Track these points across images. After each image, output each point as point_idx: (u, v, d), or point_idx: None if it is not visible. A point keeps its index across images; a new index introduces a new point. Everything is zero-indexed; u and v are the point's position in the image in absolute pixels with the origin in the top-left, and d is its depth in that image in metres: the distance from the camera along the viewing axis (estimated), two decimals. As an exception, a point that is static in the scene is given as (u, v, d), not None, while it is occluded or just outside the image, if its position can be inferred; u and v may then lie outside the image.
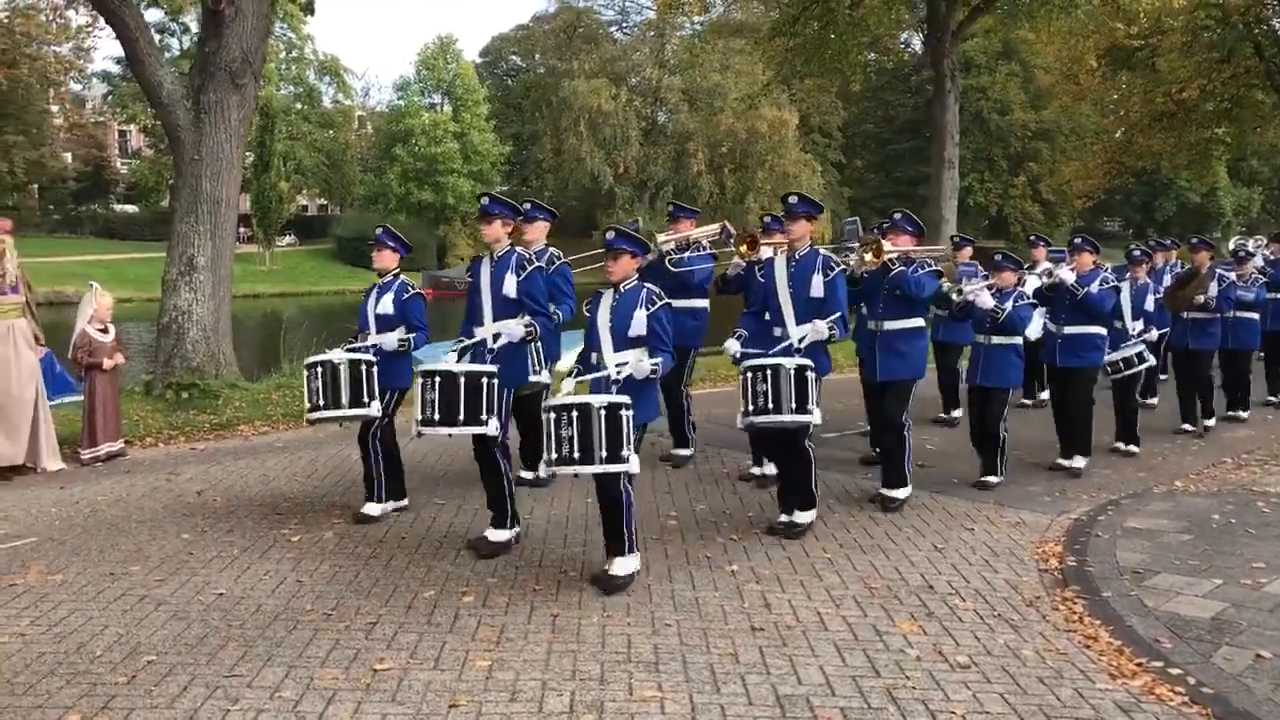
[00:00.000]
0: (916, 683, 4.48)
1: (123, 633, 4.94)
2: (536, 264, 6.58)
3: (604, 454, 5.34)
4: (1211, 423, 10.55)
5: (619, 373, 5.78)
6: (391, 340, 6.74)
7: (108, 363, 8.61)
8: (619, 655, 4.73)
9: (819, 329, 6.50)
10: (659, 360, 5.77)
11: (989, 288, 7.96)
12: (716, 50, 51.79)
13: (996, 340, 7.92)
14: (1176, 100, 24.68)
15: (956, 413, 10.47)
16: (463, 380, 5.91)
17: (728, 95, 52.30)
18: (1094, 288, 8.41)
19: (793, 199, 6.85)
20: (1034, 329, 9.35)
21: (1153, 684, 4.49)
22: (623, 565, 5.64)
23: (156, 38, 11.38)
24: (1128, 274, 9.69)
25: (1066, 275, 8.45)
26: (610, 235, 6.01)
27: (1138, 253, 9.92)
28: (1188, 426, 10.43)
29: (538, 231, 7.53)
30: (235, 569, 5.89)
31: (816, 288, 6.63)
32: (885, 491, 7.29)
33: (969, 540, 6.59)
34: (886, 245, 7.21)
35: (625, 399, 5.48)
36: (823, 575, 5.85)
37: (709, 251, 8.40)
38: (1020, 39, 54.90)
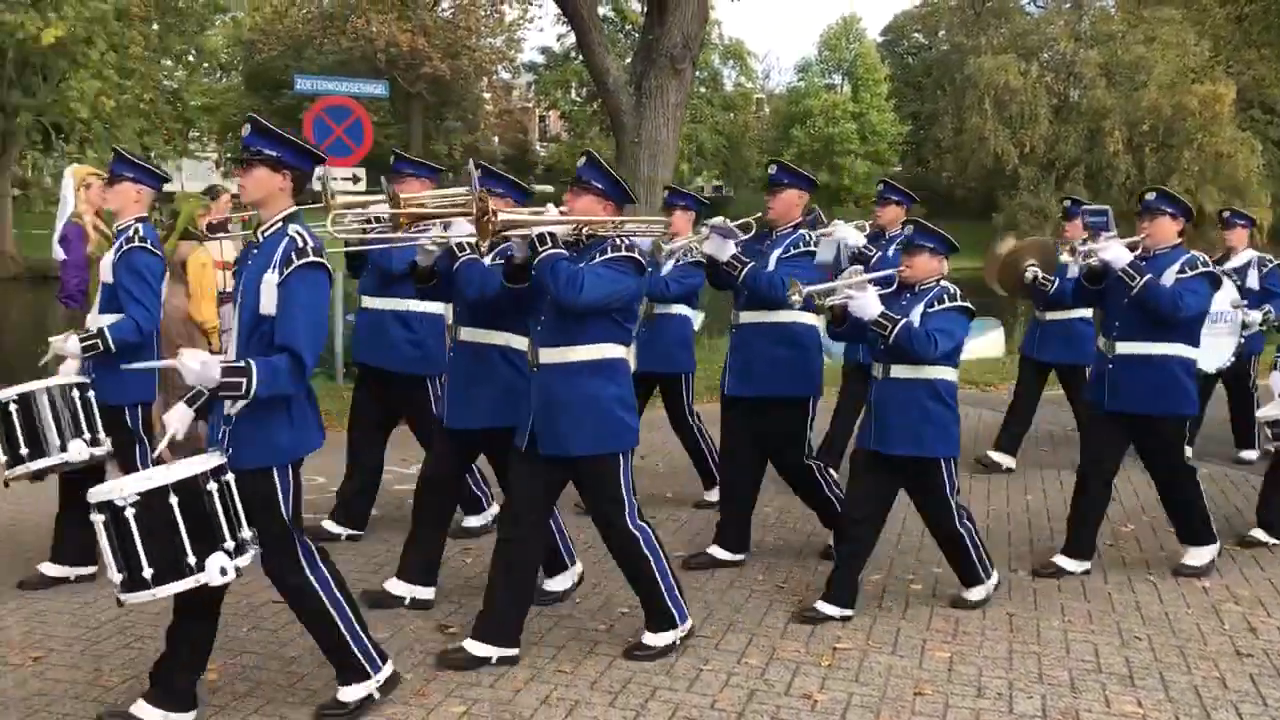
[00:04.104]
0: None
1: (595, 583, 5.31)
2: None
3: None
4: None
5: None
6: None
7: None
8: (1087, 664, 4.50)
9: (198, 369, 3.44)
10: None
11: (879, 283, 4.93)
12: (1142, 20, 47.98)
13: (897, 372, 4.90)
14: None
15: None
16: None
17: (1152, 69, 48.22)
18: (1169, 275, 5.27)
19: (245, 128, 3.74)
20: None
21: None
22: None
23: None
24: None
25: (1113, 251, 5.21)
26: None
27: (1228, 214, 7.25)
28: None
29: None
30: (684, 533, 6.18)
31: (267, 296, 3.62)
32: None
33: None
34: (556, 211, 4.35)
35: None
36: (1314, 603, 5.27)
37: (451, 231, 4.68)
38: None
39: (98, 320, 5.07)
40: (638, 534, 4.43)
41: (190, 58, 37.15)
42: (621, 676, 4.28)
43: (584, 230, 4.30)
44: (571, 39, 40.11)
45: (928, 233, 4.92)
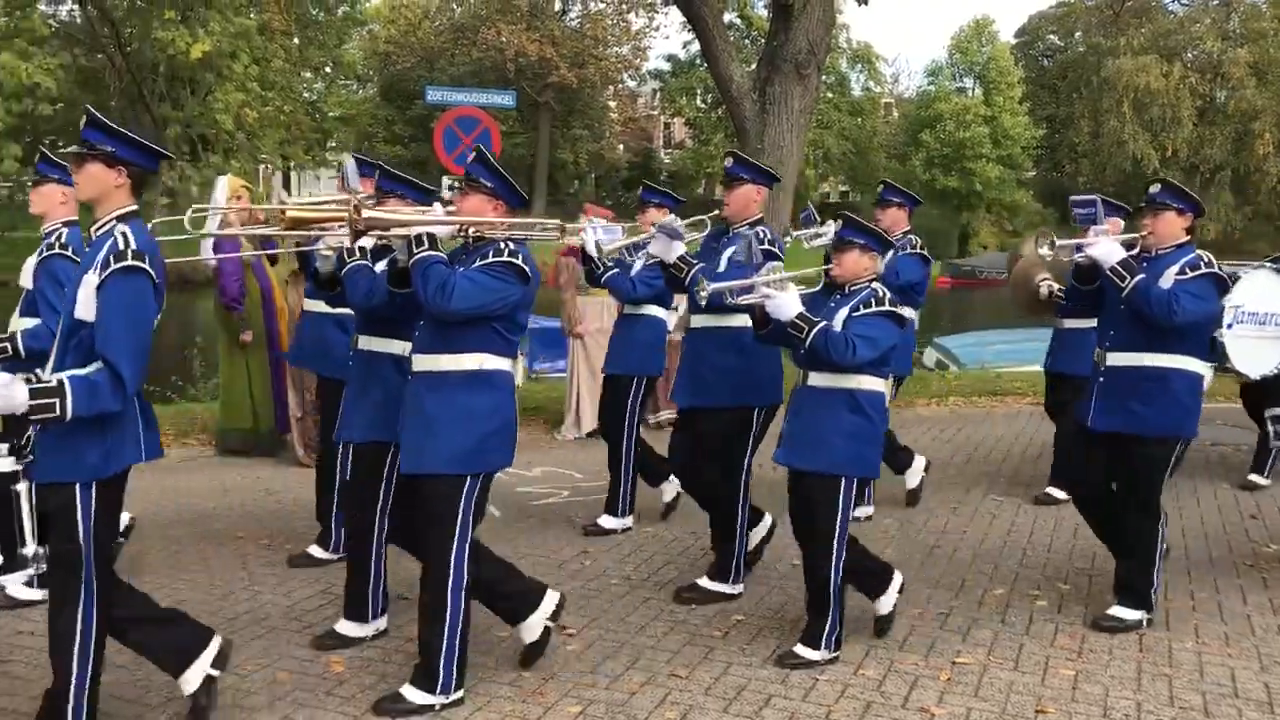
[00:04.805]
0: None
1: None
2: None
3: None
4: None
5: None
6: None
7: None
8: (1222, 688, 4.32)
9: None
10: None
11: (800, 281, 4.45)
12: (1296, 16, 45.87)
13: (815, 380, 4.42)
14: None
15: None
16: None
17: (1306, 67, 46.08)
18: (1168, 276, 4.60)
19: (82, 122, 3.51)
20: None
21: None
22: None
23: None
24: None
25: (1102, 247, 4.60)
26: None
27: None
28: None
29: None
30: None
31: (84, 300, 3.38)
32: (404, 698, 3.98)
33: None
34: (442, 211, 3.99)
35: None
36: None
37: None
38: None
39: (16, 324, 4.96)
40: (455, 573, 3.89)
41: (328, 70, 38.49)
42: (736, 683, 4.28)
43: (471, 231, 4.00)
44: (696, 46, 40.27)
45: (857, 228, 4.45)
